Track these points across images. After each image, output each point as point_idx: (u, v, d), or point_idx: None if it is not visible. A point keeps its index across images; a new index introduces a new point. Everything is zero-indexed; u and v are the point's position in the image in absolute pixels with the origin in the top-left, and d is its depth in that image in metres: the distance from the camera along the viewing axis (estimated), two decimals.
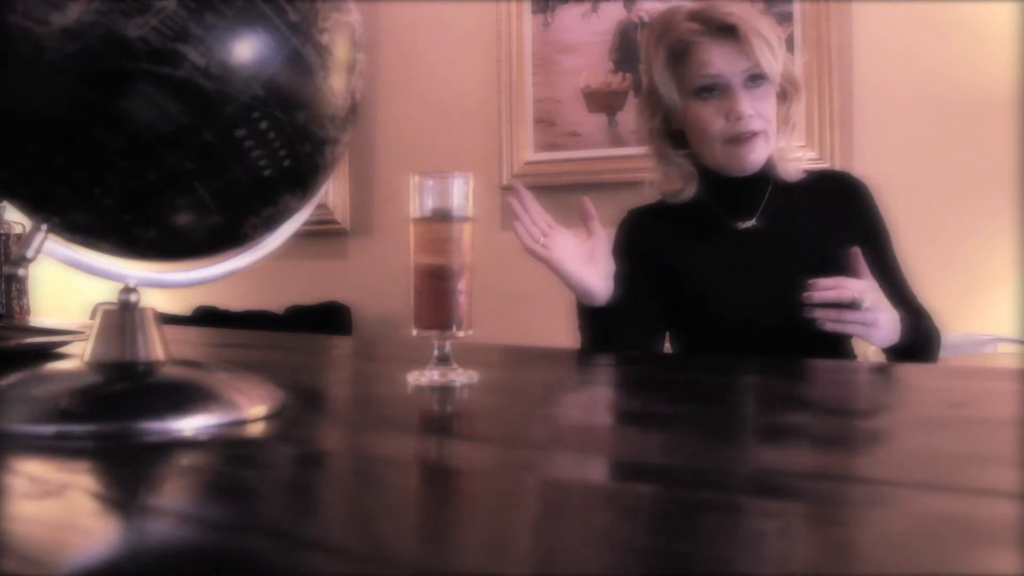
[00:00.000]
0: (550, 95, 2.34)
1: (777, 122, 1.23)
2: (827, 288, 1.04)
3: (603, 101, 2.28)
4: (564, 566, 0.32)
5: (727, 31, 1.16)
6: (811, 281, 1.06)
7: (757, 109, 1.17)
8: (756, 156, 1.19)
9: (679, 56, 1.20)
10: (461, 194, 0.77)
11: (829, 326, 1.05)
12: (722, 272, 1.22)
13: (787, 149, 1.26)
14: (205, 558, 0.33)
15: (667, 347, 1.35)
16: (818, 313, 1.04)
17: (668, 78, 1.21)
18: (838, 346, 1.22)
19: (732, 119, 1.16)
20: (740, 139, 1.17)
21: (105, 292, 0.62)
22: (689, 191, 1.27)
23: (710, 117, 1.18)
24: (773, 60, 1.16)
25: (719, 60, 1.16)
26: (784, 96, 1.24)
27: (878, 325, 1.06)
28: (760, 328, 1.17)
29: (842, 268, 1.23)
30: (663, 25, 1.22)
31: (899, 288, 1.26)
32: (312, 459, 0.51)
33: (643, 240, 1.30)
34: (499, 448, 0.53)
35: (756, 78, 1.17)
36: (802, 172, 1.26)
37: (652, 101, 1.25)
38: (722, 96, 1.17)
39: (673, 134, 1.26)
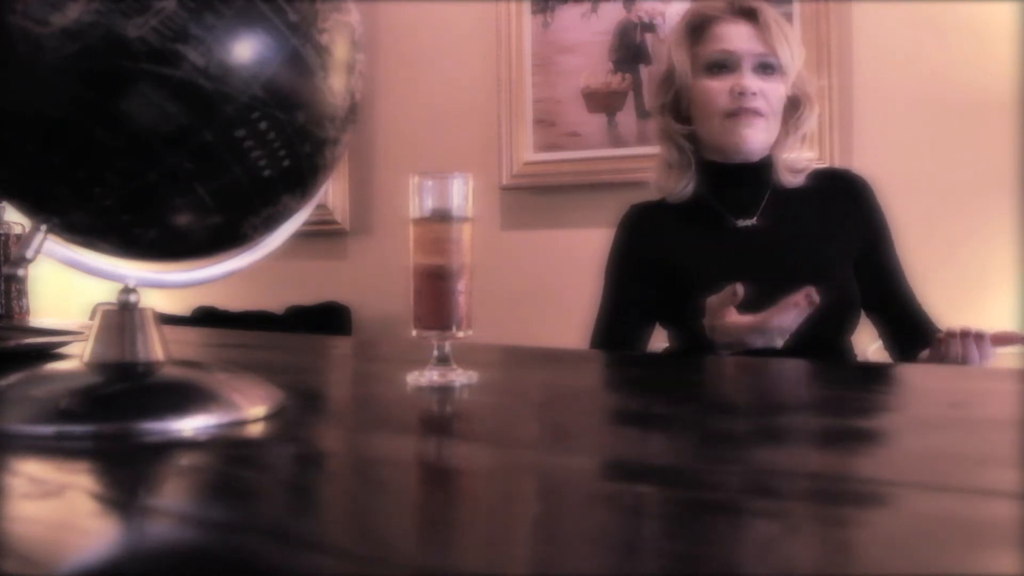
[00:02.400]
0: (550, 95, 2.34)
1: (786, 128, 1.24)
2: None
3: (603, 101, 2.28)
4: (564, 566, 0.32)
5: (748, 14, 1.21)
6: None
7: (762, 91, 1.19)
8: (753, 136, 1.20)
9: (698, 31, 1.23)
10: (461, 194, 0.77)
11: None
12: (722, 270, 1.22)
13: (793, 161, 1.27)
14: (205, 558, 0.33)
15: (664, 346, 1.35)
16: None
17: (684, 53, 1.23)
18: (838, 347, 1.22)
19: (735, 93, 1.18)
20: (740, 114, 1.18)
21: (105, 292, 0.62)
22: (687, 186, 1.27)
23: (716, 91, 1.20)
24: (787, 52, 1.19)
25: (735, 37, 1.20)
26: (796, 105, 1.25)
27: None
28: None
29: (841, 268, 1.23)
30: (693, 7, 1.27)
31: (900, 288, 1.26)
32: (312, 459, 0.51)
33: (644, 235, 1.30)
34: (499, 448, 0.53)
35: (768, 67, 1.20)
36: (802, 179, 1.27)
37: (667, 79, 1.28)
38: (731, 75, 1.19)
39: (682, 116, 1.27)
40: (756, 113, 1.18)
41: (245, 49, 0.52)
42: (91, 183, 0.53)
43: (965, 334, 1.02)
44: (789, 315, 1.01)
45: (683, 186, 1.27)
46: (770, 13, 1.20)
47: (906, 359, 1.21)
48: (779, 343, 1.05)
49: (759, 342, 1.05)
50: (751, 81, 1.18)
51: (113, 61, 0.49)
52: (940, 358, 1.04)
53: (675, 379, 0.89)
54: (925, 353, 1.11)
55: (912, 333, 1.23)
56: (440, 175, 0.77)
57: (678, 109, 1.27)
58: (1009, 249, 1.82)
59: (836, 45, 1.98)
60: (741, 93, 1.18)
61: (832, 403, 0.73)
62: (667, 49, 1.28)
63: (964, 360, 1.03)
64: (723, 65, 1.19)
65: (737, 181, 1.24)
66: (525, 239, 2.40)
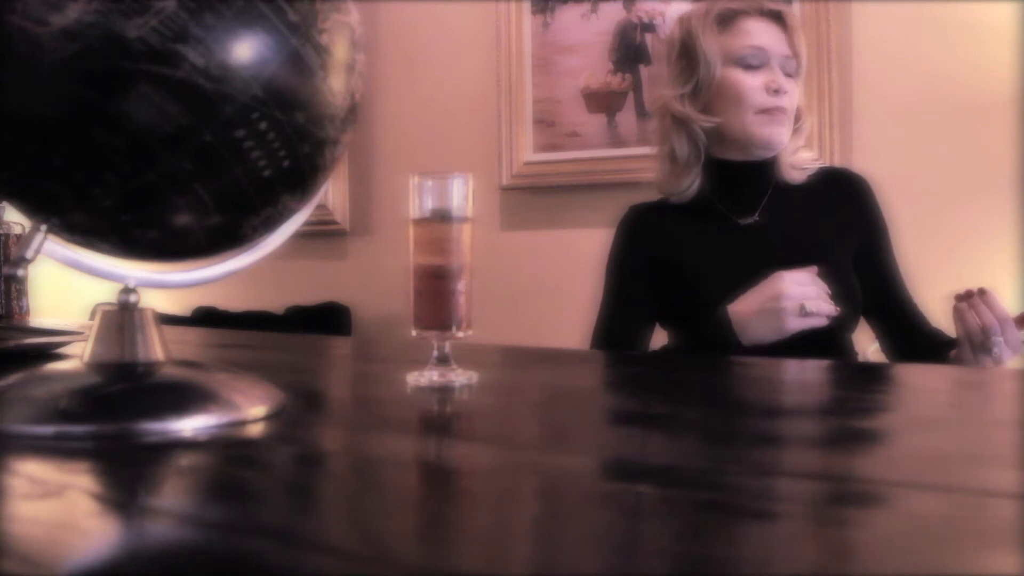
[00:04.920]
0: (550, 95, 2.34)
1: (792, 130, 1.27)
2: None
3: (603, 101, 2.28)
4: (564, 566, 0.32)
5: (775, 16, 1.23)
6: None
7: (789, 91, 1.21)
8: (781, 135, 1.22)
9: (726, 23, 1.24)
10: (461, 195, 0.77)
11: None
12: (723, 268, 1.22)
13: (796, 160, 1.28)
14: (205, 558, 0.33)
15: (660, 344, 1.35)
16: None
17: (715, 43, 1.23)
18: (838, 345, 1.22)
19: (770, 90, 1.19)
20: (774, 112, 1.20)
21: (105, 292, 0.62)
22: (693, 184, 1.27)
23: (751, 85, 1.21)
24: (804, 57, 1.23)
25: (766, 36, 1.22)
26: (798, 111, 1.28)
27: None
28: None
29: (841, 265, 1.23)
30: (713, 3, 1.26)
31: (897, 289, 1.27)
32: (312, 459, 0.51)
33: (644, 235, 1.30)
34: (499, 448, 0.53)
35: (790, 69, 1.22)
36: (805, 176, 1.27)
37: (688, 69, 1.26)
38: (762, 71, 1.21)
39: (700, 108, 1.27)
40: (784, 112, 1.21)
41: (245, 49, 0.52)
42: (91, 183, 0.53)
43: (981, 293, 1.05)
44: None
45: (688, 183, 1.26)
46: (794, 17, 1.24)
47: (903, 360, 1.21)
48: (791, 329, 1.07)
49: (796, 317, 1.08)
50: (784, 80, 1.20)
51: (113, 61, 0.49)
52: (966, 335, 1.07)
53: (675, 379, 0.89)
54: (953, 352, 1.11)
55: (909, 334, 1.23)
56: (440, 175, 0.77)
57: (696, 100, 1.26)
58: (1009, 249, 1.82)
59: (836, 45, 1.99)
60: (776, 91, 1.19)
61: (832, 403, 0.73)
62: (691, 37, 1.24)
63: (988, 348, 1.04)
64: (754, 61, 1.21)
65: (741, 179, 1.24)
66: (525, 239, 2.40)
